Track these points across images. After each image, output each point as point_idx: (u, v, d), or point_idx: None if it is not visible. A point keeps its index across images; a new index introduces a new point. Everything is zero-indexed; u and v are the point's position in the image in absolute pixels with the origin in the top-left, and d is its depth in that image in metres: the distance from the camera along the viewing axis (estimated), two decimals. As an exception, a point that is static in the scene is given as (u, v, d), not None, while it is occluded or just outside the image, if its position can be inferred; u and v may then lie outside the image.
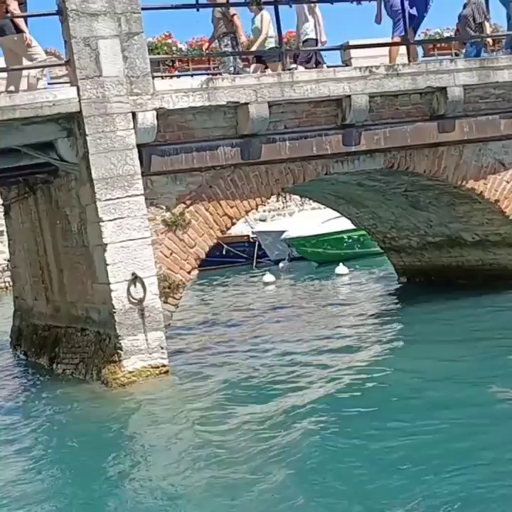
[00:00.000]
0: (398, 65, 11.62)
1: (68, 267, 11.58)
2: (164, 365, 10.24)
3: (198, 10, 11.20)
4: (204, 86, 10.56)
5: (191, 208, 10.87)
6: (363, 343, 11.41)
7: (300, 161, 11.33)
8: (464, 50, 14.52)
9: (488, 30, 12.72)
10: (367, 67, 11.44)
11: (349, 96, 11.15)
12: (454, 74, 11.68)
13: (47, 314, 12.80)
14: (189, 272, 10.95)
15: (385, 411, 7.92)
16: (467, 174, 12.23)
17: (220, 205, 11.00)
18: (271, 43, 11.94)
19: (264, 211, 32.00)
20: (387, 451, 6.69)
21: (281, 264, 24.86)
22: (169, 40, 16.06)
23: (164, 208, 10.75)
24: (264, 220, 31.47)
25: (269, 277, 21.31)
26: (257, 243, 26.83)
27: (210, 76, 11.29)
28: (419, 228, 14.65)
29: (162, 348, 10.27)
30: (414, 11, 12.46)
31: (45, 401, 10.11)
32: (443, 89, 11.64)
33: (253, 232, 27.38)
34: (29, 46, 10.67)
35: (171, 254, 10.77)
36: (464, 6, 12.88)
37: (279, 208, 30.32)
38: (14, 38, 10.68)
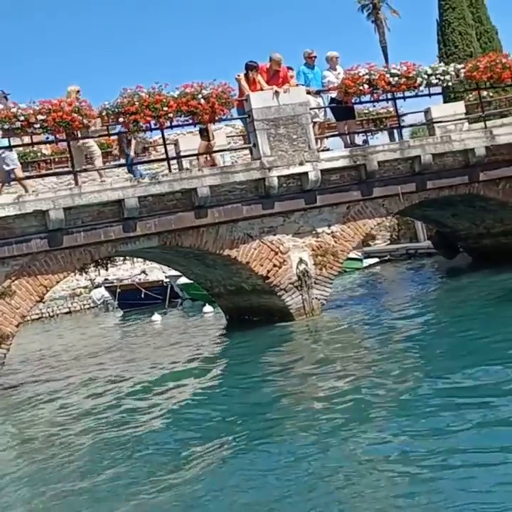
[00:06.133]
0: (159, 175, 15.87)
1: None
2: (-8, 391, 14.45)
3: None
4: (16, 200, 14.82)
5: (16, 281, 15.02)
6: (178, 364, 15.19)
7: (94, 245, 15.55)
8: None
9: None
10: (135, 178, 15.74)
11: (123, 199, 15.38)
12: (201, 179, 15.87)
13: None
14: (16, 326, 15.12)
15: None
16: (223, 245, 16.36)
17: (37, 278, 15.15)
18: None
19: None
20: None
21: (185, 303, 29.30)
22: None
23: (-4, 283, 14.98)
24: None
25: (156, 317, 25.39)
26: (169, 286, 31.00)
27: (21, 194, 15.45)
28: (219, 280, 18.79)
29: (-9, 379, 14.47)
30: None
31: None
32: (194, 190, 15.85)
33: (166, 277, 31.61)
34: None
35: (2, 314, 14.90)
36: None
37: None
38: None
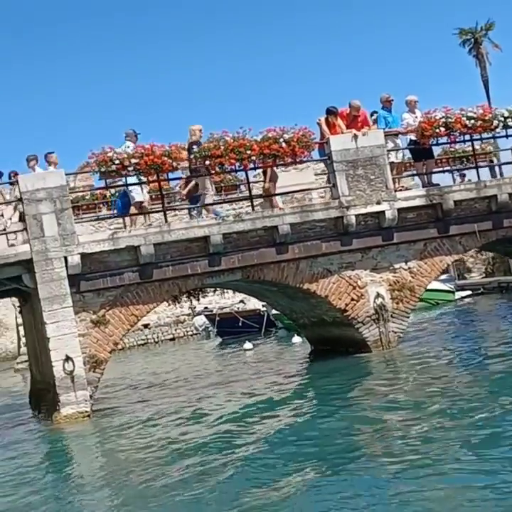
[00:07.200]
0: (243, 214, 16.81)
1: (43, 350, 17.07)
2: (87, 411, 15.50)
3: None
4: (110, 237, 16.01)
5: (110, 311, 16.15)
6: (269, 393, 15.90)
7: (181, 278, 16.57)
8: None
9: None
10: (221, 217, 16.72)
11: (208, 236, 16.36)
12: (282, 217, 16.70)
13: (38, 380, 18.36)
14: (110, 352, 16.24)
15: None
16: (303, 279, 17.10)
17: (129, 308, 16.24)
18: None
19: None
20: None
21: (279, 332, 30.16)
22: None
23: (92, 312, 16.06)
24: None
25: (248, 345, 26.30)
26: (265, 315, 31.89)
27: (115, 230, 16.63)
28: (303, 312, 19.53)
29: (86, 401, 15.51)
30: None
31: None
32: (275, 227, 16.69)
33: (263, 306, 32.52)
34: None
35: (97, 341, 16.04)
36: None
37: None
38: None
